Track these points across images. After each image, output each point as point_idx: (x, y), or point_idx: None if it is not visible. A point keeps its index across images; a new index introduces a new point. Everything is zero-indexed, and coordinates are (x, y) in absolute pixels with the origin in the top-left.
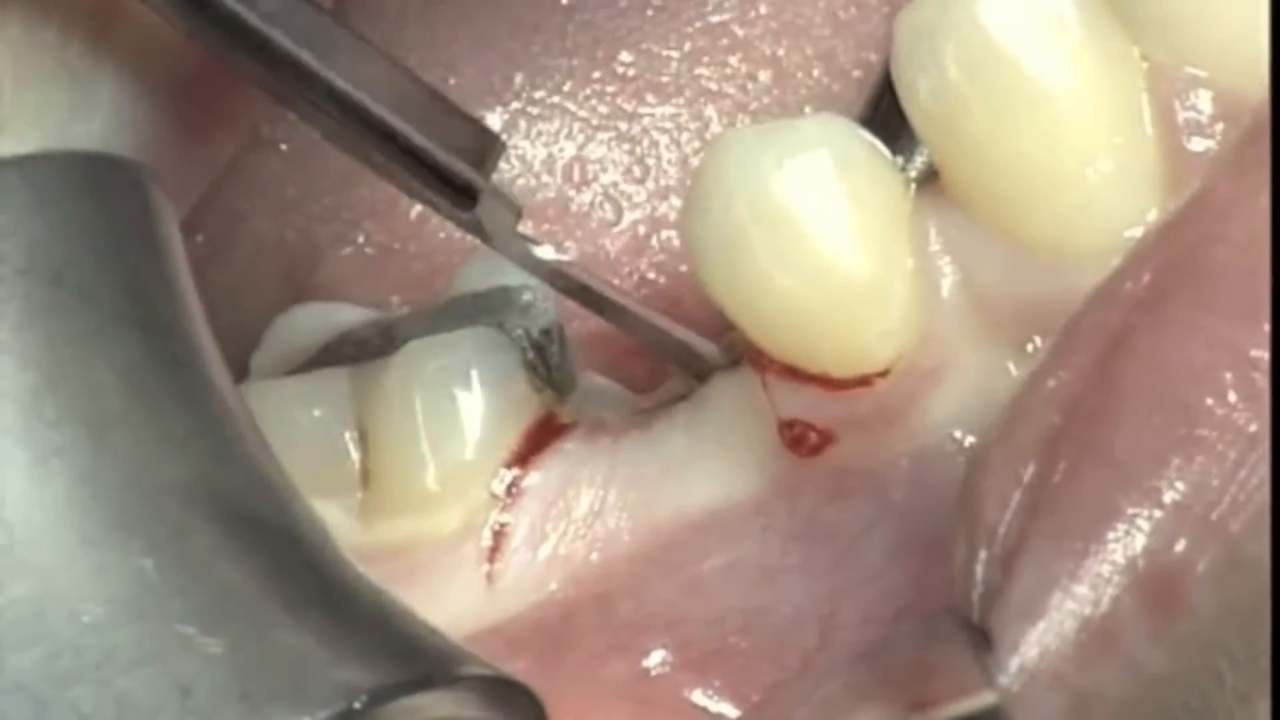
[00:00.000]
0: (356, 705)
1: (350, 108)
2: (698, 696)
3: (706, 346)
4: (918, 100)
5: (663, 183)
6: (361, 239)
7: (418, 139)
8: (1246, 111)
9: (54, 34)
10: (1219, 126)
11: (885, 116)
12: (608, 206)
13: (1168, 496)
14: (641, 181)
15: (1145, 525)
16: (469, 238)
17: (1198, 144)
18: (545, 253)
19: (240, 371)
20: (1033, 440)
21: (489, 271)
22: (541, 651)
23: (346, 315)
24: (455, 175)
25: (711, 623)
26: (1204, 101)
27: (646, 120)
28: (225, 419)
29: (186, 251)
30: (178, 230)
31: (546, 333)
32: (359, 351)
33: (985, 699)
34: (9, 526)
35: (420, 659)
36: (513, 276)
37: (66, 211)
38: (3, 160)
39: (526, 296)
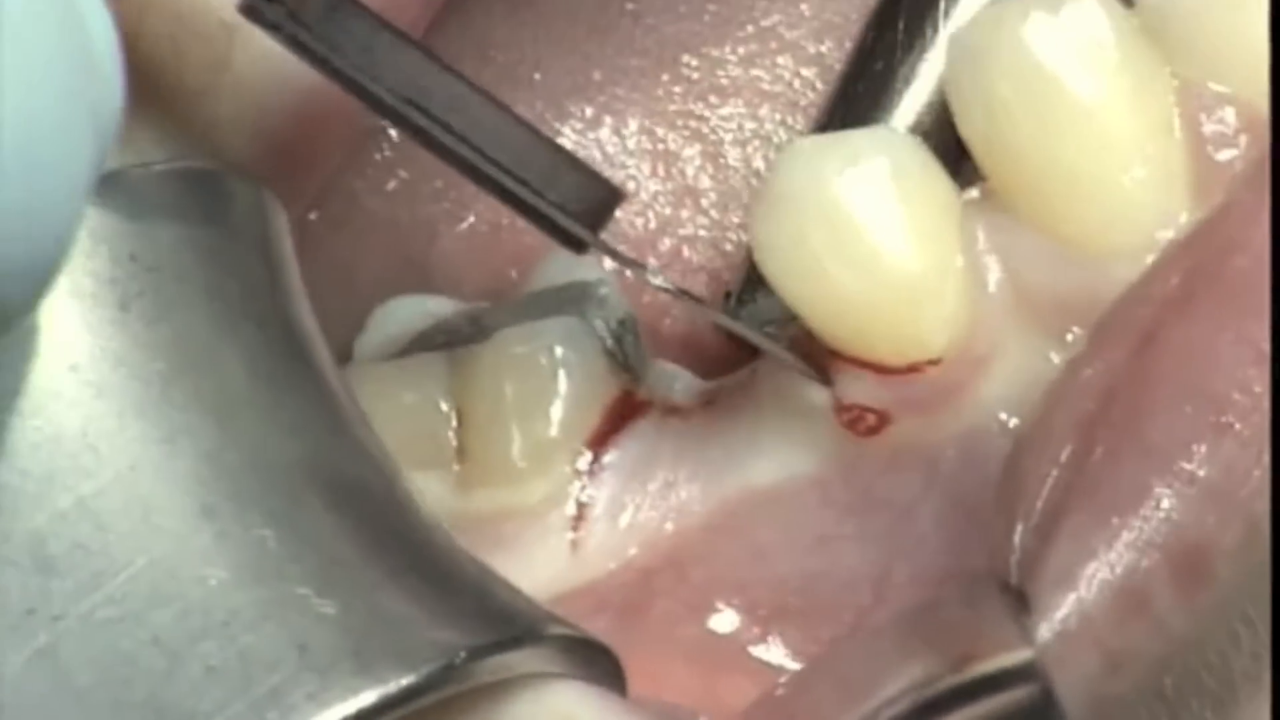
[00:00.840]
0: (455, 662)
1: (468, 166)
2: (762, 652)
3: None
4: (969, 115)
5: (731, 180)
6: (472, 218)
7: (535, 200)
8: (1266, 124)
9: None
10: (1242, 138)
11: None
12: (687, 200)
13: (1196, 477)
14: (713, 176)
15: (1175, 503)
16: None
17: (1223, 154)
18: (653, 275)
19: (345, 356)
20: (1071, 424)
21: (568, 267)
22: (621, 612)
23: (439, 306)
24: (569, 232)
25: (774, 586)
26: (1228, 116)
27: (713, 120)
28: (334, 403)
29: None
30: (289, 236)
31: (622, 323)
32: (451, 339)
33: (1022, 655)
34: (144, 499)
35: (511, 621)
36: (589, 271)
37: (192, 217)
38: (138, 171)
39: (603, 290)
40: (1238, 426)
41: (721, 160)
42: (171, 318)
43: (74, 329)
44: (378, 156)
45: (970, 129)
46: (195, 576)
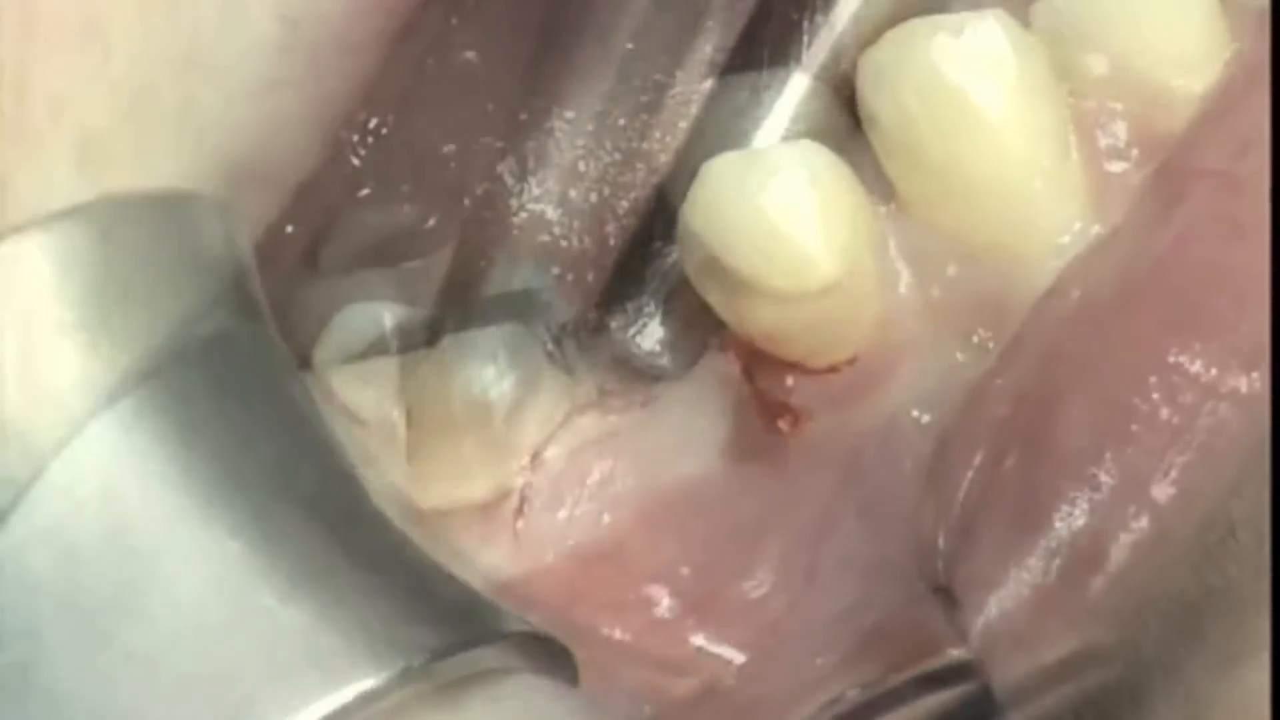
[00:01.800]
0: (416, 663)
1: None
2: (699, 641)
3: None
4: (879, 129)
5: None
6: (431, 223)
7: None
8: (1157, 139)
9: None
10: (1134, 152)
11: None
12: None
13: (1103, 480)
14: None
15: (1084, 505)
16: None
17: (1116, 167)
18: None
19: (305, 361)
20: (984, 429)
21: (515, 275)
22: (560, 603)
23: (394, 313)
24: None
25: (708, 574)
26: (1121, 130)
27: None
28: (297, 411)
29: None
30: (253, 257)
31: (564, 328)
32: (405, 344)
33: (959, 654)
34: (113, 519)
35: (471, 620)
36: (534, 279)
37: (155, 240)
38: (103, 204)
39: (546, 297)
40: (1140, 433)
41: None
42: (136, 341)
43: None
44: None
45: (880, 140)
46: (166, 591)
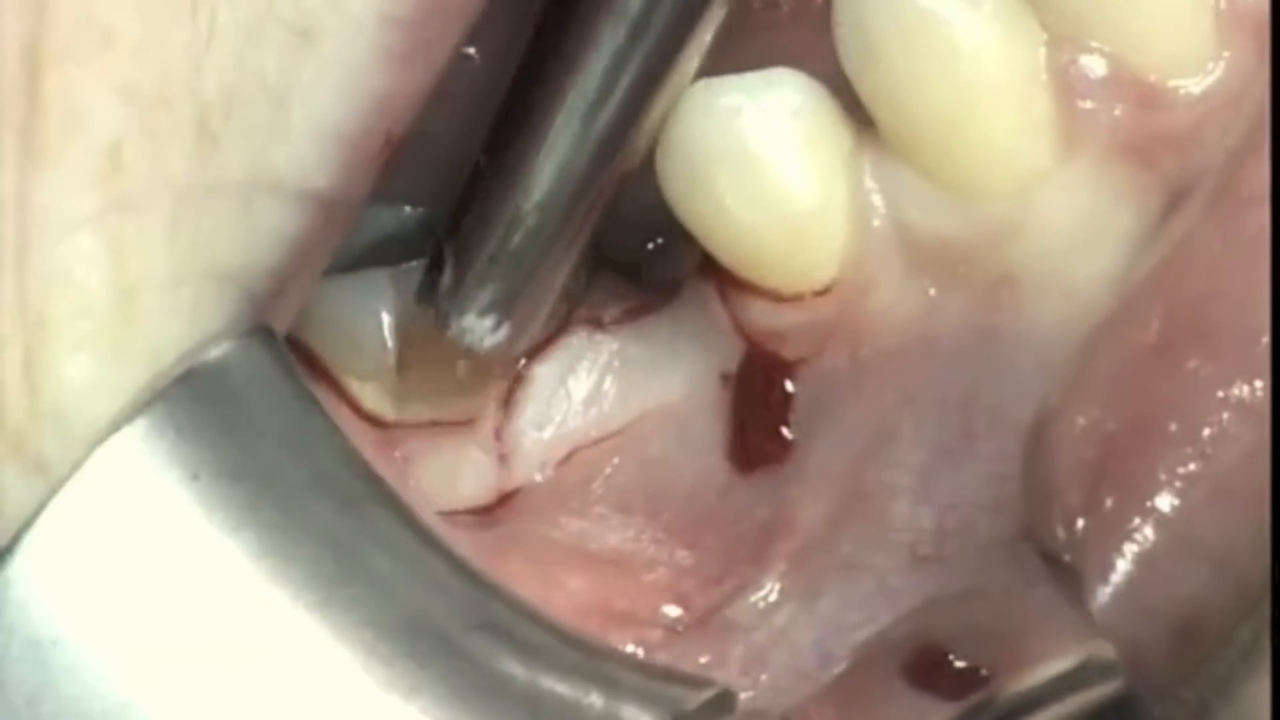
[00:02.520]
0: None
1: None
2: (674, 556)
3: None
4: (851, 58)
5: None
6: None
7: None
8: (1132, 76)
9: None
10: (1107, 89)
11: None
12: None
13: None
14: None
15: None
16: None
17: (1088, 104)
18: None
19: None
20: (1071, 476)
21: None
22: (546, 517)
23: (389, 216)
24: None
25: (688, 495)
26: (1095, 66)
27: None
28: (431, 541)
29: None
30: (298, 370)
31: None
32: (404, 251)
33: (1089, 649)
34: (319, 693)
35: (655, 709)
36: None
37: (225, 414)
38: (163, 391)
39: None
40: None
41: None
42: (250, 520)
43: (174, 564)
44: None
45: (852, 70)
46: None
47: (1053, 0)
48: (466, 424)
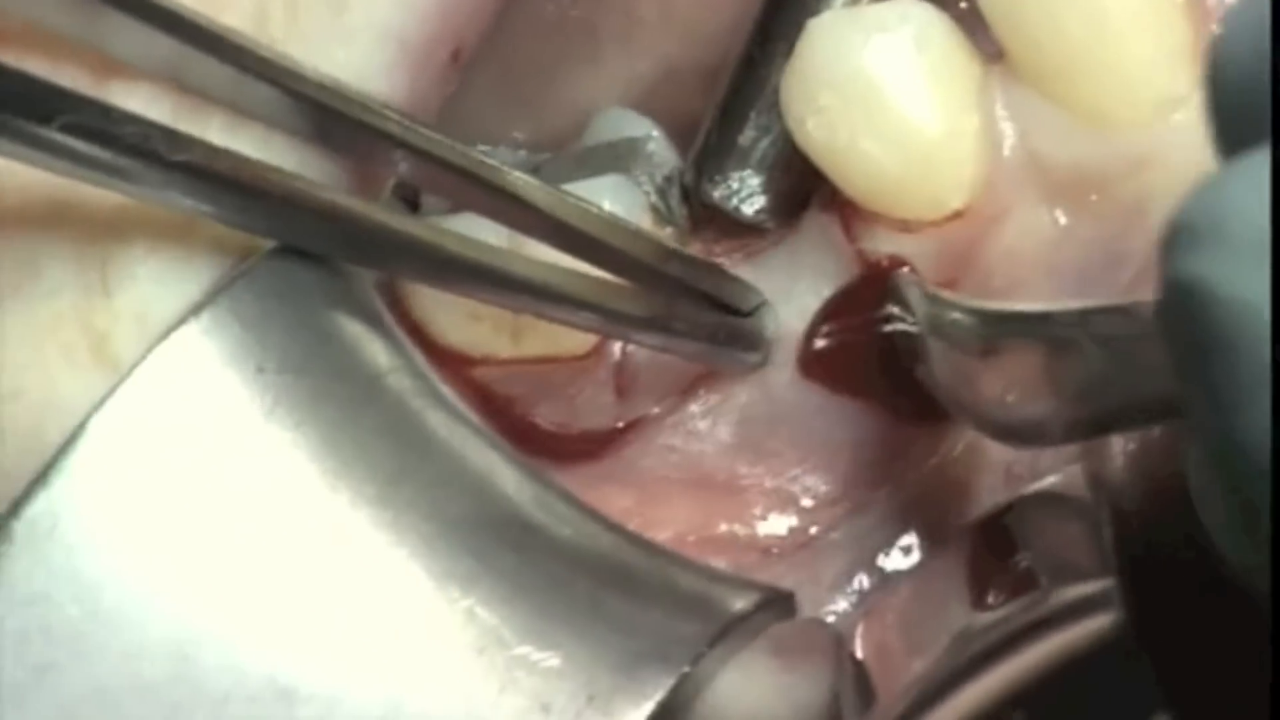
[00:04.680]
0: (677, 680)
1: None
2: (782, 482)
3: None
4: None
5: None
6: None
7: None
8: None
9: None
10: None
11: None
12: None
13: None
14: None
15: None
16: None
17: None
18: None
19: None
20: None
21: (619, 122)
22: (661, 445)
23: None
24: None
25: (804, 423)
26: None
27: None
28: (473, 443)
29: None
30: (372, 288)
31: (668, 178)
32: None
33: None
34: (349, 616)
35: (713, 611)
36: (638, 127)
37: (293, 310)
38: (232, 283)
39: (651, 146)
40: None
41: None
42: (312, 417)
43: (235, 457)
44: None
45: (985, 1)
46: (423, 668)
47: None
48: (585, 357)
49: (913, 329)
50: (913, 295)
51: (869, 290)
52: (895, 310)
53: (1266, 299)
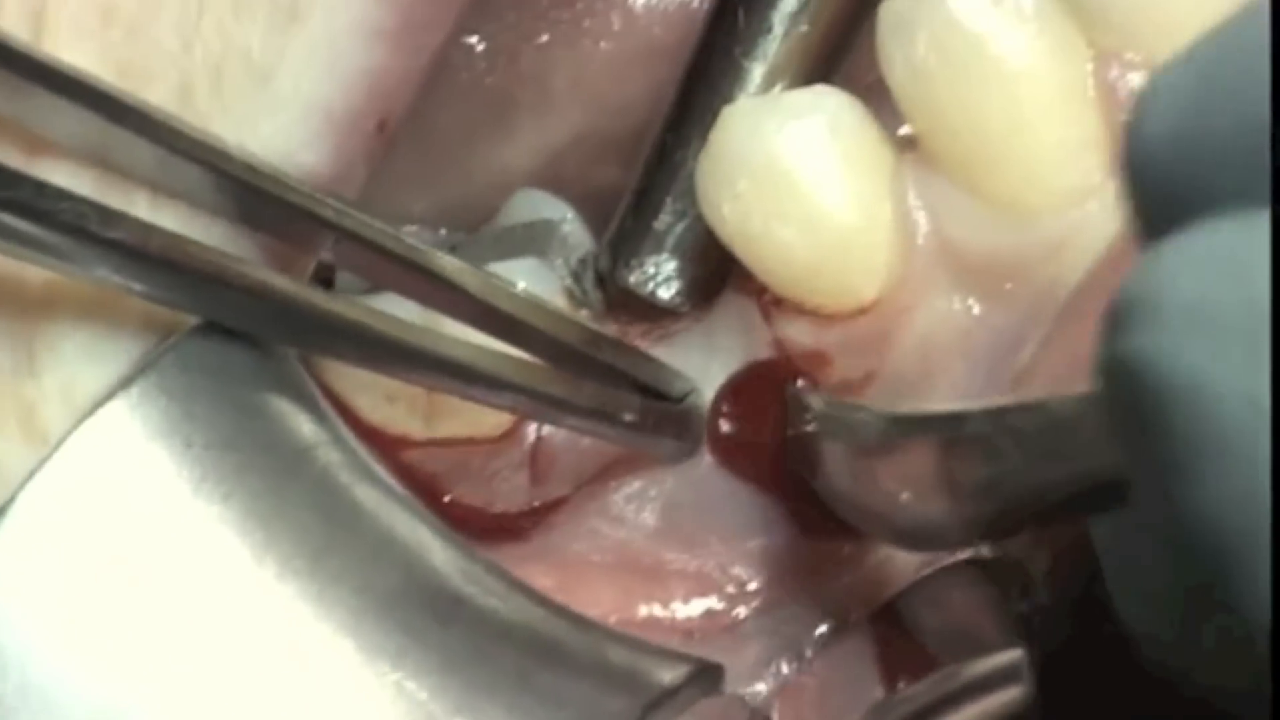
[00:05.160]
0: None
1: None
2: (703, 566)
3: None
4: (896, 79)
5: None
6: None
7: None
8: None
9: (243, 34)
10: None
11: None
12: None
13: None
14: None
15: None
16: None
17: None
18: None
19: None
20: None
21: (535, 204)
22: (579, 529)
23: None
24: None
25: (721, 508)
26: (1140, 82)
27: None
28: (398, 514)
29: None
30: (299, 364)
31: (583, 261)
32: None
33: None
34: (277, 681)
35: (641, 684)
36: (554, 210)
37: (217, 384)
38: (160, 356)
39: (566, 229)
40: None
41: None
42: (239, 491)
43: (162, 531)
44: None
45: (899, 91)
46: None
47: (1099, 15)
48: (501, 438)
49: (809, 429)
50: (810, 401)
51: (760, 386)
52: (793, 416)
53: (1211, 370)
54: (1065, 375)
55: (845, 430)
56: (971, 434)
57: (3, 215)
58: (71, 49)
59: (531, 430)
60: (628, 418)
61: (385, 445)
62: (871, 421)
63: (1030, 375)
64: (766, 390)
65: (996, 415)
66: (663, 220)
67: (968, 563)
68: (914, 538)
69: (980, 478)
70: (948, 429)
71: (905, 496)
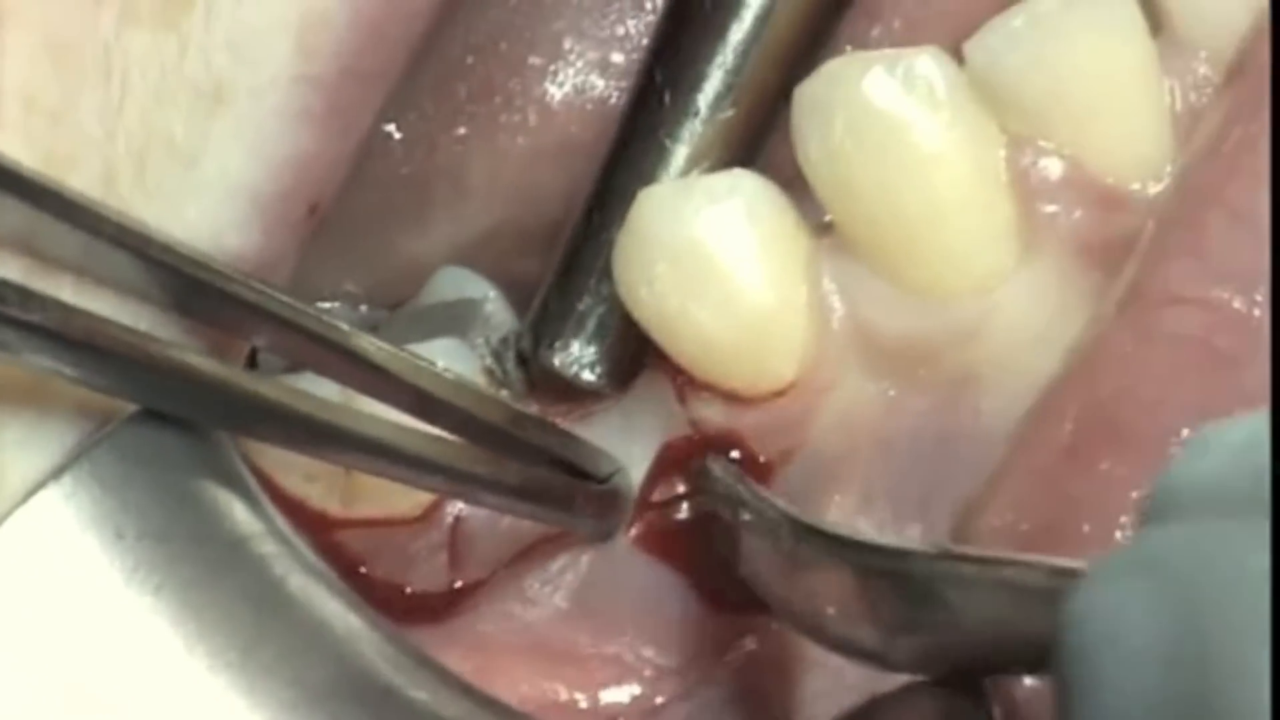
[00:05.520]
0: None
1: None
2: (625, 651)
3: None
4: (811, 162)
5: None
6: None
7: None
8: (1090, 179)
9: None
10: (1066, 193)
11: None
12: None
13: None
14: None
15: None
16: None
17: (1049, 207)
18: None
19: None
20: None
21: (456, 281)
22: (497, 611)
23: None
24: None
25: (643, 591)
26: (1054, 169)
27: None
28: (332, 606)
29: None
30: (233, 450)
31: (504, 340)
32: None
33: None
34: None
35: None
36: (476, 289)
37: (150, 474)
38: (93, 447)
39: (489, 308)
40: None
41: None
42: (171, 581)
43: (93, 621)
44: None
45: (814, 174)
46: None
47: (1012, 103)
48: (420, 519)
49: (723, 514)
50: (715, 471)
51: (675, 467)
52: (706, 494)
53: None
54: (1012, 523)
55: (761, 526)
56: (900, 571)
57: None
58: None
59: (451, 511)
60: (552, 497)
61: (306, 522)
62: (782, 525)
63: (980, 509)
64: (682, 471)
65: (945, 561)
66: (585, 302)
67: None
68: (848, 652)
69: (906, 617)
70: (868, 559)
71: (831, 612)
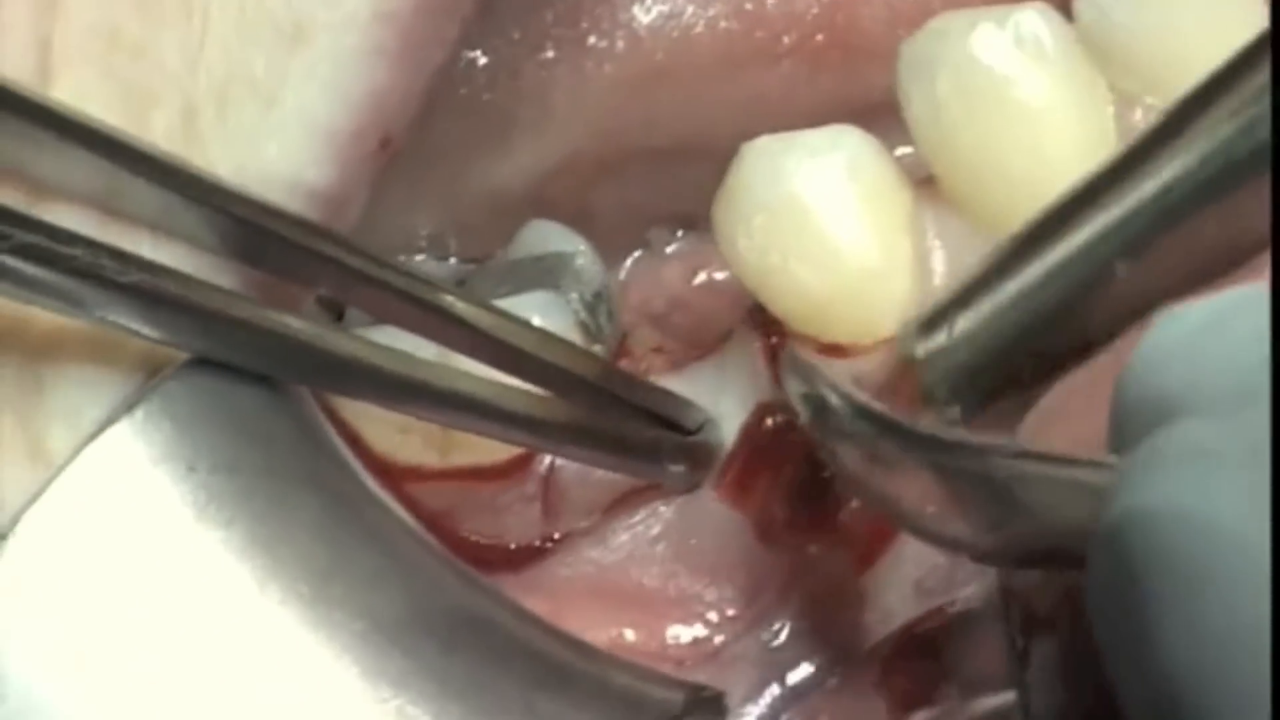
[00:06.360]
0: None
1: None
2: (701, 595)
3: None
4: (916, 118)
5: None
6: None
7: None
8: None
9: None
10: None
11: None
12: None
13: None
14: None
15: None
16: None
17: None
18: None
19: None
20: None
21: (547, 236)
22: (587, 560)
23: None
24: None
25: (725, 537)
26: None
27: None
28: (403, 541)
29: None
30: (306, 392)
31: (597, 295)
32: None
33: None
34: (304, 687)
35: (646, 711)
36: (568, 242)
37: (221, 409)
38: (165, 383)
39: (580, 262)
40: None
41: None
42: (243, 515)
43: (165, 555)
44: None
45: (919, 130)
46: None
47: (1121, 59)
48: (512, 471)
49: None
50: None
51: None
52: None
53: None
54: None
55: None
56: (979, 470)
57: (19, 262)
58: (77, 73)
59: (543, 463)
60: (642, 450)
61: (393, 476)
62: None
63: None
64: (769, 432)
65: (1022, 459)
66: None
67: (976, 609)
68: (942, 543)
69: (991, 514)
70: (947, 456)
71: (930, 509)
